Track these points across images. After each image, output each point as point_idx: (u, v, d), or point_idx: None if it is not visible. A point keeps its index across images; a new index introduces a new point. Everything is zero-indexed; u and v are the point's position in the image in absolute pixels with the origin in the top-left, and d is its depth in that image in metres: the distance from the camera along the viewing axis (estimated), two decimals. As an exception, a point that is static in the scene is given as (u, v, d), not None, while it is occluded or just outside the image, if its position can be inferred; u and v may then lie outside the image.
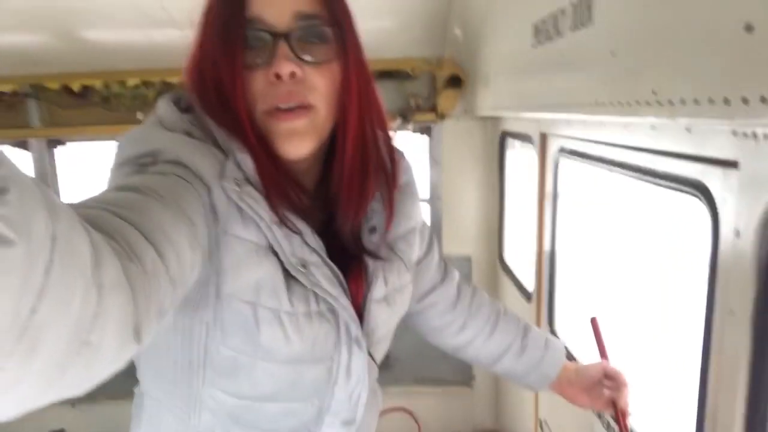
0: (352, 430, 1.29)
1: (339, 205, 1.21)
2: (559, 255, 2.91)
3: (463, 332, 1.71)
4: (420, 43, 4.11)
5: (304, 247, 1.11)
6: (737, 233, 1.28)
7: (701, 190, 1.45)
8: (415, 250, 1.43)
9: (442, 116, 4.30)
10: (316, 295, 1.13)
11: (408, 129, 4.33)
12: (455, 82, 4.18)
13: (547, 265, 2.97)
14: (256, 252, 1.06)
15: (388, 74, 4.25)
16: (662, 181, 1.67)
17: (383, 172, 1.26)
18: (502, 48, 3.07)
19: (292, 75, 1.05)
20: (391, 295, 1.30)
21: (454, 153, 4.38)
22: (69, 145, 4.62)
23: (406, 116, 4.26)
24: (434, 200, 4.45)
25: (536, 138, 3.00)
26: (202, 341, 1.10)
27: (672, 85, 1.24)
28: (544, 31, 2.11)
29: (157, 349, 1.16)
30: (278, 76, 1.05)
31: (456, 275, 1.78)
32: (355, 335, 1.19)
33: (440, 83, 4.21)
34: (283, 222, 1.08)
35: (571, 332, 2.70)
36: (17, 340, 0.49)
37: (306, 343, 1.13)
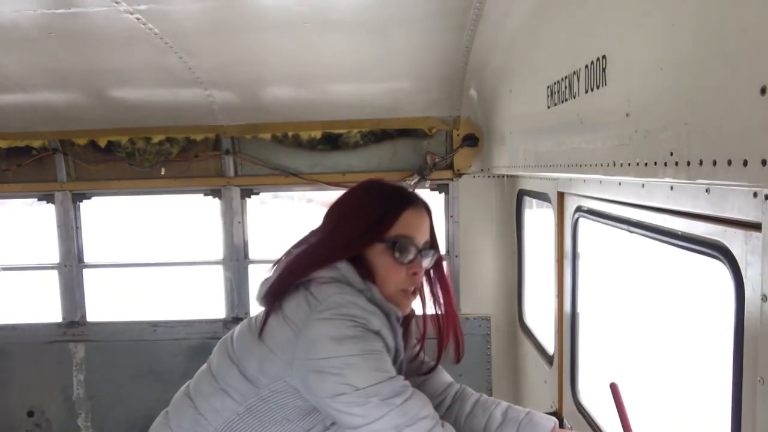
0: None
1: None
2: (581, 316, 2.83)
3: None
4: (437, 103, 4.19)
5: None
6: (765, 298, 1.23)
7: (723, 252, 1.41)
8: None
9: (458, 174, 4.33)
10: None
11: (425, 186, 4.36)
12: (471, 140, 4.23)
13: (568, 326, 2.89)
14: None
15: (406, 132, 4.33)
16: (682, 243, 1.64)
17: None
18: (518, 108, 3.11)
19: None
20: None
21: (471, 210, 4.38)
22: (94, 199, 4.73)
23: (423, 173, 4.30)
24: (451, 258, 4.41)
25: (553, 197, 2.98)
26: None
27: (689, 146, 1.23)
28: (559, 92, 2.14)
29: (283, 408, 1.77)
30: (416, 274, 1.90)
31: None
32: None
33: (457, 142, 4.26)
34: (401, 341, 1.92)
35: (597, 399, 2.59)
36: None
37: None
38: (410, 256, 1.87)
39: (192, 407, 1.84)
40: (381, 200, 1.92)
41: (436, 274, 2.02)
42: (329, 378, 1.66)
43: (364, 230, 1.87)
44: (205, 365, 1.96)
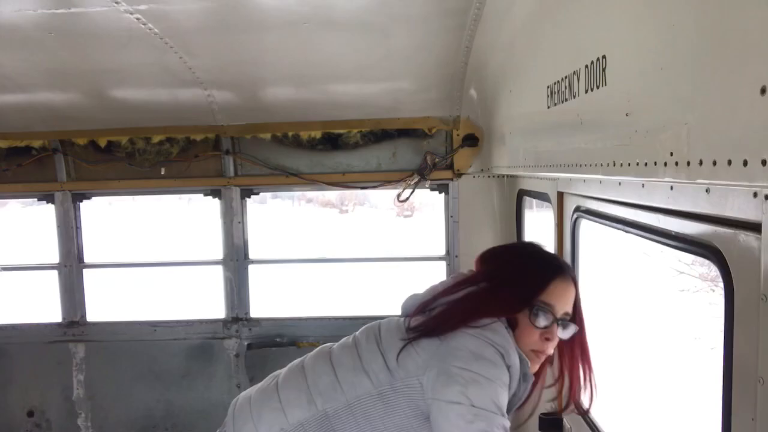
0: None
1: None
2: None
3: None
4: (437, 103, 4.19)
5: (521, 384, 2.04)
6: (765, 298, 1.23)
7: (714, 252, 1.41)
8: None
9: (458, 174, 4.33)
10: None
11: (425, 186, 4.36)
12: (471, 140, 4.23)
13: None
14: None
15: (406, 132, 4.33)
16: (675, 243, 1.64)
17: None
18: (518, 108, 3.11)
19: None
20: None
21: (471, 210, 4.38)
22: (94, 199, 4.73)
23: (423, 173, 4.30)
24: (451, 258, 4.41)
25: (553, 197, 2.98)
26: None
27: (689, 146, 1.23)
28: (559, 92, 2.14)
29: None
30: (549, 339, 2.01)
31: None
32: None
33: (457, 142, 4.26)
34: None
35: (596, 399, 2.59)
36: None
37: None
38: (545, 323, 2.00)
39: (332, 373, 2.06)
40: (538, 268, 2.06)
41: (578, 346, 2.09)
42: (455, 386, 1.83)
43: (522, 299, 2.01)
44: (350, 339, 2.16)
